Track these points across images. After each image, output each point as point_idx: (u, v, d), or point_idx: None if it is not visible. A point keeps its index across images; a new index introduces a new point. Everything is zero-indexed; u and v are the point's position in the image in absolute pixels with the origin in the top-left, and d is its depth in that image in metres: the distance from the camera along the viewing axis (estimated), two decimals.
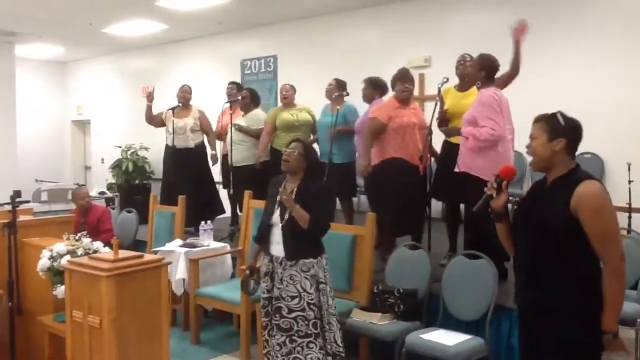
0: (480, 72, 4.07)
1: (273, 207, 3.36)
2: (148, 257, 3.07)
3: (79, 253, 3.36)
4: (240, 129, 5.99)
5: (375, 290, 3.93)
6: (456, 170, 4.17)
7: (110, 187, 10.16)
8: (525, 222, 2.38)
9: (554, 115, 2.35)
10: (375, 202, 4.83)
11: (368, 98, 5.34)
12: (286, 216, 3.28)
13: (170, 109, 6.48)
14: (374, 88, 5.30)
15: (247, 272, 3.49)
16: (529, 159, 2.47)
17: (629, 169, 5.24)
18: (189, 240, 4.91)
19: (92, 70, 12.08)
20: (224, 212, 6.50)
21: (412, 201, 4.63)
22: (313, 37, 8.46)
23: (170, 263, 3.33)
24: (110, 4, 7.75)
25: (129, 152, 10.17)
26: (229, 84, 6.83)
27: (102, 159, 11.54)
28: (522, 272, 2.41)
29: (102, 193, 9.10)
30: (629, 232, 4.53)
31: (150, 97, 6.47)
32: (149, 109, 6.50)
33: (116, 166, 10.22)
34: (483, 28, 6.72)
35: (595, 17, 6.09)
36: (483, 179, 3.96)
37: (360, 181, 5.63)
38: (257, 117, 6.16)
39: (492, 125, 3.90)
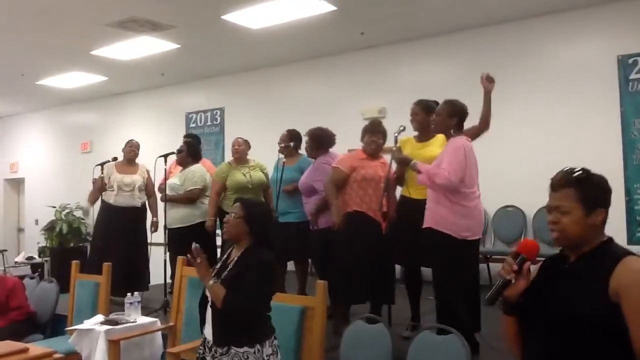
0: (452, 118, 3.67)
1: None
2: (35, 350, 2.42)
3: None
4: (170, 199, 5.38)
5: None
6: (424, 226, 3.71)
7: (42, 250, 9.33)
8: (542, 313, 1.78)
9: (586, 176, 1.78)
10: (330, 262, 4.31)
11: (310, 155, 4.85)
12: None
13: (111, 162, 5.85)
14: (317, 147, 4.77)
15: None
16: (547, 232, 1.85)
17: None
18: (112, 316, 4.21)
19: (28, 125, 11.38)
20: (147, 289, 5.77)
21: (373, 262, 4.12)
22: (262, 89, 8.07)
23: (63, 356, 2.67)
24: (41, 53, 7.22)
25: (63, 213, 9.42)
26: (184, 137, 6.28)
27: (36, 220, 10.68)
28: None
29: (30, 258, 8.30)
30: None
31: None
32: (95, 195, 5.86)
33: (49, 228, 9.43)
34: (436, 78, 6.51)
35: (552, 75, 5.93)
36: (451, 235, 3.54)
37: None
38: (193, 174, 5.54)
39: (449, 170, 3.49)
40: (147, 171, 5.91)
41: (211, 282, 2.63)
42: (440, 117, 3.74)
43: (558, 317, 1.72)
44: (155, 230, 5.78)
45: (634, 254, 1.72)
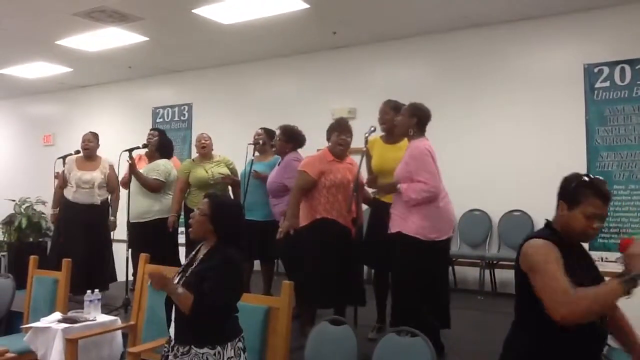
0: (412, 118, 3.66)
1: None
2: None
3: None
4: (135, 173, 5.30)
5: None
6: (390, 231, 3.68)
7: None
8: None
9: None
10: (299, 268, 4.24)
11: (279, 150, 4.80)
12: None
13: (72, 156, 5.67)
14: (287, 140, 4.74)
15: None
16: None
17: None
18: (71, 314, 4.08)
19: None
20: (106, 288, 5.58)
21: (342, 270, 4.04)
22: (231, 86, 7.96)
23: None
24: (3, 41, 6.95)
25: (23, 207, 9.14)
26: (150, 130, 6.15)
27: None
28: None
29: None
30: None
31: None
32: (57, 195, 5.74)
33: (8, 222, 9.14)
34: (407, 80, 6.53)
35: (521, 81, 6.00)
36: (419, 238, 3.52)
37: None
38: (157, 166, 5.47)
39: (426, 179, 3.48)
40: (110, 166, 5.69)
41: (180, 290, 2.51)
42: (402, 117, 3.75)
43: None
44: (113, 229, 5.65)
45: None
